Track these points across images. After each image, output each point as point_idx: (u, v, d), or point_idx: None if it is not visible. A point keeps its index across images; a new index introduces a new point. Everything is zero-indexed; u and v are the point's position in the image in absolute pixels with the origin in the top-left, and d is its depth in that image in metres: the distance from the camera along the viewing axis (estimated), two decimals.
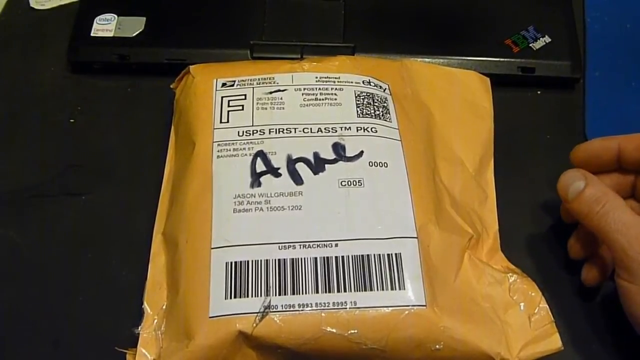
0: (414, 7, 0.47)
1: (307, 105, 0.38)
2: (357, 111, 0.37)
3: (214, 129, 0.37)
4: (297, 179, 0.35)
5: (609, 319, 0.37)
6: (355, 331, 0.31)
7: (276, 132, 0.36)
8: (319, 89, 0.38)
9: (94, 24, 0.46)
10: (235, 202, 0.34)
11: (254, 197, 0.34)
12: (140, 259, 0.36)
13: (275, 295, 0.31)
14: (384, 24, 0.47)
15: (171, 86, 0.42)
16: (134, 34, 0.45)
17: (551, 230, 0.40)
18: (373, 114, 0.37)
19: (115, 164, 0.42)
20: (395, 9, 0.47)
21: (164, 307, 0.33)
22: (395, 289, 0.32)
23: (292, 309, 0.31)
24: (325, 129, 0.37)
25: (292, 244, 0.33)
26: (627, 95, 0.45)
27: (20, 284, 0.37)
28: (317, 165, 0.35)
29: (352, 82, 0.39)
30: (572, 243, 0.37)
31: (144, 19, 0.46)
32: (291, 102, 0.38)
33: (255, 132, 0.36)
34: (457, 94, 0.42)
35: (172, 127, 0.41)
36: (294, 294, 0.32)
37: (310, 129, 0.37)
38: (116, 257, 0.38)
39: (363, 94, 0.38)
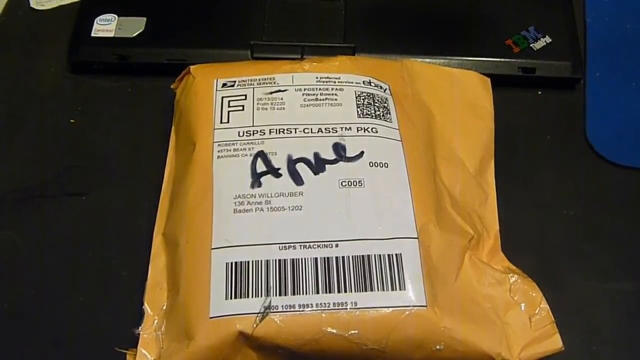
0: (415, 7, 0.47)
1: (307, 106, 0.38)
2: (358, 111, 0.37)
3: (214, 129, 0.37)
4: (297, 179, 0.35)
5: (609, 319, 0.37)
6: (356, 332, 0.31)
7: (276, 133, 0.36)
8: (320, 89, 0.38)
9: (95, 24, 0.46)
10: (235, 203, 0.34)
11: (255, 197, 0.34)
12: (140, 259, 0.36)
13: (276, 295, 0.31)
14: (384, 24, 0.47)
15: (171, 86, 0.42)
16: (135, 35, 0.45)
17: (552, 231, 0.40)
18: (373, 114, 0.37)
19: (115, 164, 0.42)
20: (395, 9, 0.47)
21: (164, 307, 0.33)
22: (396, 290, 0.32)
23: (292, 309, 0.31)
24: (325, 129, 0.37)
25: (292, 244, 0.33)
26: (627, 96, 0.45)
27: (20, 284, 0.37)
28: (318, 165, 0.35)
29: (352, 83, 0.39)
30: None
31: (144, 19, 0.46)
32: (291, 102, 0.38)
33: (255, 132, 0.36)
34: (458, 94, 0.42)
35: (173, 128, 0.41)
36: (294, 294, 0.31)
37: (311, 129, 0.37)
38: (116, 257, 0.38)
39: (363, 94, 0.38)
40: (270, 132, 0.36)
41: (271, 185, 0.34)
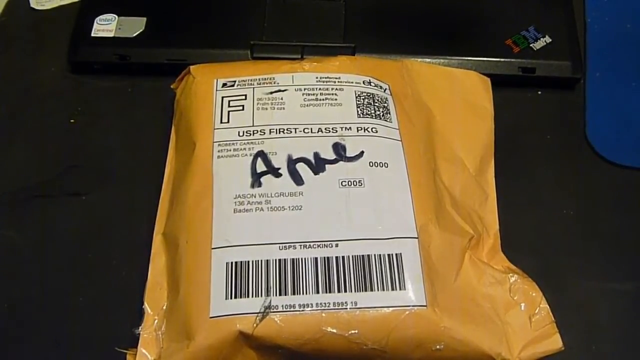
0: (415, 7, 0.47)
1: (307, 106, 0.38)
2: (358, 111, 0.37)
3: (215, 129, 0.37)
4: (297, 179, 0.35)
5: (609, 319, 0.37)
6: (356, 331, 0.31)
7: (276, 132, 0.36)
8: (320, 89, 0.38)
9: (95, 24, 0.46)
10: (235, 202, 0.34)
11: (255, 197, 0.34)
12: (140, 259, 0.36)
13: (276, 295, 0.31)
14: (384, 24, 0.47)
15: (172, 86, 0.42)
16: (135, 34, 0.45)
17: (552, 230, 0.40)
18: (373, 114, 0.37)
19: (115, 164, 0.42)
20: (395, 9, 0.47)
21: (165, 307, 0.33)
22: (396, 289, 0.32)
23: (292, 309, 0.31)
24: (325, 129, 0.37)
25: (292, 244, 0.33)
26: (627, 95, 0.45)
27: (20, 284, 0.37)
28: (318, 165, 0.35)
29: (352, 82, 0.39)
30: None
31: (145, 19, 0.46)
32: (291, 102, 0.38)
33: (255, 132, 0.36)
34: (458, 94, 0.42)
35: (173, 128, 0.41)
36: (294, 294, 0.31)
37: (311, 129, 0.37)
38: (116, 257, 0.38)
39: (363, 94, 0.38)
40: (270, 132, 0.36)
41: (271, 185, 0.34)
